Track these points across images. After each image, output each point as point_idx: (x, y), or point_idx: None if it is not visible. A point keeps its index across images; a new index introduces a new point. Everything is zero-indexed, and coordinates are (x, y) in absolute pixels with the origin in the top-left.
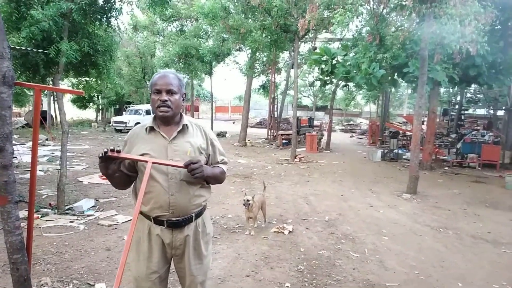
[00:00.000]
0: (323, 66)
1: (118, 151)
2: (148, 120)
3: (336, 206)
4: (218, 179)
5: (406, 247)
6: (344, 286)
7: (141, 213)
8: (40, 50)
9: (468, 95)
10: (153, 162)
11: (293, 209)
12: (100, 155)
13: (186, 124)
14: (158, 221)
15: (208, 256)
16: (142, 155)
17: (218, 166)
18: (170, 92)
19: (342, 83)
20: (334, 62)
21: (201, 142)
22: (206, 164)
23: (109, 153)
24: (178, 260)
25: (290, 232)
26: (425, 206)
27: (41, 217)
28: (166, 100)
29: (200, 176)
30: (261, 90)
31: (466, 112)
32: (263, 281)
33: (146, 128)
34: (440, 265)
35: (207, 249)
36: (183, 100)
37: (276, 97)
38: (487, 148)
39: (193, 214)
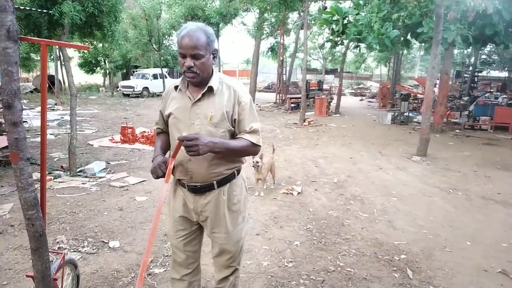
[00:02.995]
0: (333, 26)
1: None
2: (173, 82)
3: (345, 169)
4: (238, 153)
5: (415, 208)
6: (352, 244)
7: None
8: (44, 11)
9: (483, 56)
10: (172, 157)
11: (302, 172)
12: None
13: (212, 86)
14: (181, 183)
15: (236, 227)
16: (169, 114)
17: (242, 138)
18: (196, 56)
19: (353, 44)
20: (345, 22)
21: (228, 105)
22: (233, 130)
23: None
24: (204, 225)
25: (299, 193)
26: (435, 168)
27: (53, 178)
28: (192, 66)
29: (195, 154)
30: (270, 52)
31: (480, 74)
32: (273, 240)
33: (176, 87)
34: (449, 225)
35: (233, 220)
36: (214, 57)
37: (285, 60)
38: (500, 110)
39: (215, 182)
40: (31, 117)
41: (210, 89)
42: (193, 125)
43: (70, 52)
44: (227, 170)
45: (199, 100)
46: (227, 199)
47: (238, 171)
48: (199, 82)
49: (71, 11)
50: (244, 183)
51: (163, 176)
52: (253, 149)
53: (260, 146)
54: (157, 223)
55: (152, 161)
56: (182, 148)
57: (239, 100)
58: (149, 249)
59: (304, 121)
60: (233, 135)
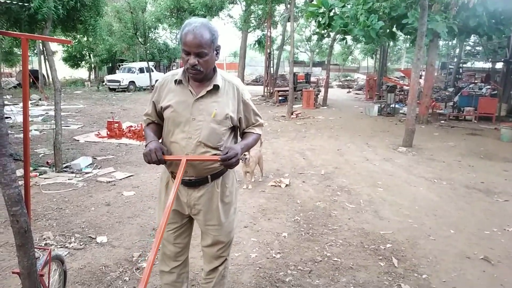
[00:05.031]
0: (320, 19)
1: (163, 155)
2: (177, 73)
3: (332, 160)
4: (251, 147)
5: (400, 198)
6: (339, 234)
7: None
8: (24, 4)
9: (467, 48)
10: (187, 160)
11: (290, 164)
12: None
13: (218, 85)
14: (174, 176)
15: (228, 218)
16: (167, 106)
17: (252, 132)
18: (200, 54)
19: (339, 36)
20: (331, 14)
21: (231, 103)
22: (239, 126)
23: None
24: (196, 218)
25: (286, 185)
26: (420, 159)
27: (39, 175)
28: (196, 64)
29: (232, 168)
30: (257, 45)
31: (464, 65)
32: (261, 231)
33: (176, 80)
34: (433, 214)
35: (226, 212)
36: (217, 54)
37: (272, 53)
38: (484, 101)
39: (209, 176)
40: (14, 112)
41: (216, 87)
42: (194, 121)
43: (54, 46)
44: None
45: (202, 96)
46: (220, 191)
47: None
48: (201, 78)
49: (41, 7)
50: (235, 174)
51: (157, 162)
52: (258, 140)
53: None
54: (166, 222)
55: (146, 145)
56: (180, 141)
57: (242, 98)
58: (156, 251)
59: (292, 114)
60: (232, 130)
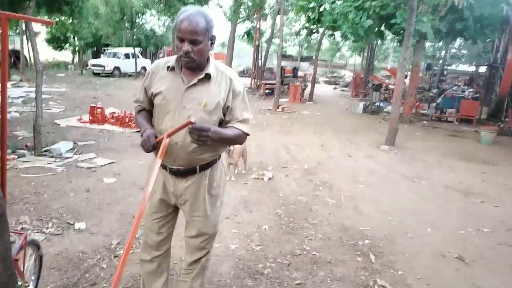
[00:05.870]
0: (309, 14)
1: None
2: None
3: (316, 155)
4: (229, 142)
5: (381, 195)
6: (319, 229)
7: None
8: None
9: (453, 50)
10: (167, 135)
11: (274, 157)
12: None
13: (210, 74)
14: (163, 165)
15: (214, 211)
16: (157, 93)
17: (234, 127)
18: (194, 42)
19: (328, 32)
20: (321, 9)
21: (223, 92)
22: (223, 119)
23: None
24: (182, 208)
25: (269, 178)
26: (402, 157)
27: (17, 158)
28: (189, 52)
29: (202, 144)
30: (246, 37)
31: (449, 67)
32: (242, 223)
33: (168, 67)
34: (412, 212)
35: (212, 204)
36: (211, 44)
37: (260, 45)
38: (466, 103)
39: (198, 166)
40: None
41: (207, 76)
42: (184, 109)
43: (37, 26)
44: (211, 156)
45: (194, 85)
46: (208, 183)
47: (219, 157)
48: (194, 67)
49: None
50: (224, 168)
51: (153, 149)
52: (243, 138)
53: (248, 135)
54: (143, 208)
55: (141, 135)
56: (169, 129)
57: (233, 88)
58: (134, 236)
59: (278, 108)
60: (221, 123)
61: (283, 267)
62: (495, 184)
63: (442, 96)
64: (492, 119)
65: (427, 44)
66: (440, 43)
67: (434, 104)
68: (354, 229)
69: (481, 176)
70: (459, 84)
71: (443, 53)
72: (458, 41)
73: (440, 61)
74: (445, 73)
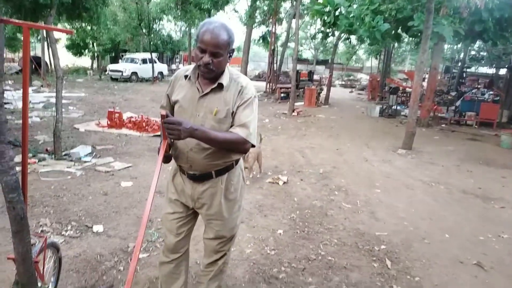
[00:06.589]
0: (325, 18)
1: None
2: (187, 69)
3: (331, 160)
4: (220, 144)
5: (397, 200)
6: (334, 234)
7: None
8: None
9: (472, 52)
10: (163, 136)
11: (289, 162)
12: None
13: (222, 83)
14: (181, 169)
15: (232, 214)
16: (176, 101)
17: (231, 131)
18: (215, 54)
19: (344, 36)
20: (337, 13)
21: (233, 100)
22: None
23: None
24: (200, 212)
25: (284, 183)
26: (419, 162)
27: (38, 162)
28: (209, 63)
29: (176, 138)
30: (261, 41)
31: (468, 70)
32: (257, 228)
33: (186, 76)
34: (429, 217)
35: (230, 208)
36: (230, 56)
37: (276, 49)
38: (486, 107)
39: (213, 171)
40: (16, 98)
41: (220, 86)
42: (198, 117)
43: (57, 33)
44: (225, 162)
45: (207, 94)
46: (224, 188)
47: (237, 162)
48: (212, 77)
49: None
50: (242, 173)
51: (167, 157)
52: (241, 145)
53: (249, 143)
54: (150, 207)
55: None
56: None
57: (241, 95)
58: (142, 236)
59: (293, 111)
60: None
61: (298, 272)
62: None
63: (461, 99)
64: None
65: (446, 46)
66: (459, 45)
67: (453, 107)
68: (370, 234)
69: (501, 181)
70: (479, 86)
71: (462, 55)
72: (477, 43)
73: (459, 64)
74: (464, 75)
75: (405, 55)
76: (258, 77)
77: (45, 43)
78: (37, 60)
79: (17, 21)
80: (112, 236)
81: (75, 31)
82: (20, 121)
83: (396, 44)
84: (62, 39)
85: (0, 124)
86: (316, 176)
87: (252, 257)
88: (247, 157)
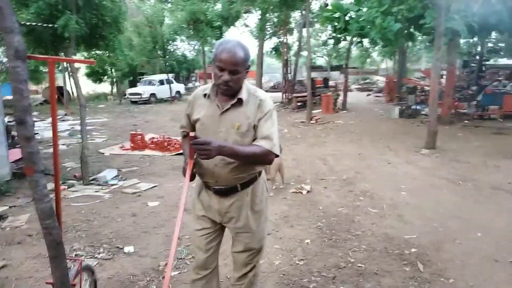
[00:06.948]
0: (335, 24)
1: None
2: (204, 88)
3: (354, 165)
4: (247, 158)
5: (424, 201)
6: (363, 240)
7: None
8: (48, 25)
9: (489, 44)
10: (190, 157)
11: (311, 170)
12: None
13: (242, 98)
14: (207, 185)
15: (259, 226)
16: (197, 119)
17: (256, 144)
18: (233, 72)
19: (356, 40)
20: (347, 18)
21: (253, 114)
22: (254, 138)
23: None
24: (227, 226)
25: (308, 192)
26: (444, 160)
27: (67, 188)
28: (229, 81)
29: (206, 158)
30: (274, 52)
31: (487, 62)
32: (284, 239)
33: (205, 94)
34: (458, 217)
35: (257, 219)
36: (247, 72)
37: (289, 59)
38: (509, 99)
39: (238, 185)
40: (42, 128)
41: (239, 101)
42: (220, 133)
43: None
44: (249, 174)
45: (227, 110)
46: (250, 200)
47: (260, 173)
48: (231, 94)
49: (71, 24)
50: (265, 184)
51: (191, 177)
52: (267, 157)
53: (274, 154)
54: (179, 224)
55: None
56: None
57: (260, 108)
58: (173, 255)
59: (311, 119)
60: None
61: (329, 281)
62: None
63: (483, 93)
64: None
65: (461, 41)
66: (475, 39)
67: (474, 102)
68: (399, 238)
69: None
70: (500, 79)
71: (479, 48)
72: (494, 34)
73: (477, 57)
74: (483, 69)
75: (420, 54)
76: (273, 88)
77: (66, 73)
78: (60, 90)
79: (42, 56)
80: (143, 256)
81: (95, 62)
82: (47, 150)
83: (410, 43)
84: (82, 67)
85: (33, 155)
86: (339, 182)
87: (281, 268)
88: (269, 168)
